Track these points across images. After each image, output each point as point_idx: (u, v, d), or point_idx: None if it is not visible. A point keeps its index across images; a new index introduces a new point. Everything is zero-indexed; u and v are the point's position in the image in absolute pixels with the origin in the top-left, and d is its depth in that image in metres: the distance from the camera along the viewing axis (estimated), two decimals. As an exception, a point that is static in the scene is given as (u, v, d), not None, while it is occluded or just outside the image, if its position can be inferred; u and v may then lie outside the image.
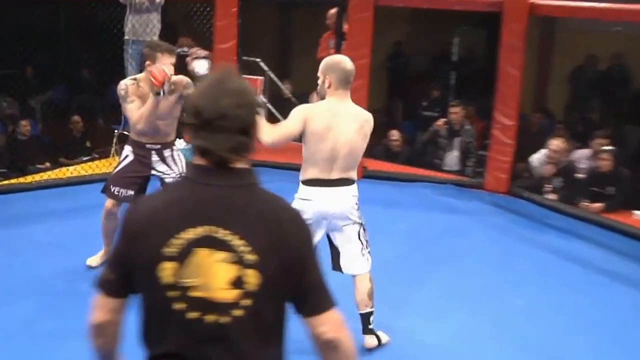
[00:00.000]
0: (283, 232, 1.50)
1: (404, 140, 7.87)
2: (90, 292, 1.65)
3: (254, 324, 1.48)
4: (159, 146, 4.17)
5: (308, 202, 3.28)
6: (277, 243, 1.48)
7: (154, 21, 6.74)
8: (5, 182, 6.31)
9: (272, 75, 8.93)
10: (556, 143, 6.33)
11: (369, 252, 3.46)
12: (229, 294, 1.46)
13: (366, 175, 6.65)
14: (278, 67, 10.16)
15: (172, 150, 4.23)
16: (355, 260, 3.43)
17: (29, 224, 5.04)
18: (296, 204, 3.23)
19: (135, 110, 4.02)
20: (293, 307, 1.56)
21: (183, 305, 1.47)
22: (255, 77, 8.45)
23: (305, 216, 3.02)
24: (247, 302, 1.46)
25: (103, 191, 4.23)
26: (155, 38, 6.68)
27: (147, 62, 3.99)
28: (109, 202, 4.19)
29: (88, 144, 8.12)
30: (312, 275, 1.55)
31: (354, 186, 3.38)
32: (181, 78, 4.08)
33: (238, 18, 6.63)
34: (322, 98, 3.33)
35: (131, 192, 4.13)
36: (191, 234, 1.47)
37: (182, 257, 1.46)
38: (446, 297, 4.18)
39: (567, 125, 7.75)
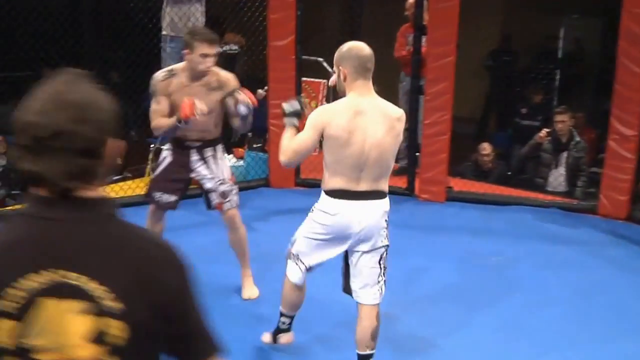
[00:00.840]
0: (153, 270, 1.45)
1: (497, 155, 7.97)
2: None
3: None
4: (199, 143, 4.41)
5: (331, 217, 3.37)
6: (145, 285, 1.43)
7: (197, 14, 7.03)
8: (18, 207, 6.55)
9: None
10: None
11: (384, 281, 3.48)
12: (88, 352, 1.40)
13: (451, 197, 6.78)
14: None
15: (215, 150, 4.46)
16: (368, 287, 3.46)
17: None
18: (316, 216, 3.42)
19: (156, 115, 4.29)
20: (170, 356, 1.55)
21: None
22: (316, 79, 8.71)
23: (323, 231, 3.43)
24: (112, 359, 1.43)
25: (145, 197, 4.56)
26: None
27: (186, 51, 4.25)
28: (152, 207, 4.51)
29: (118, 161, 8.40)
30: (192, 319, 1.53)
31: (386, 200, 3.40)
32: (230, 78, 4.35)
33: (297, 10, 6.83)
34: (343, 95, 3.40)
35: (174, 198, 4.44)
36: (33, 281, 1.40)
37: (23, 311, 1.39)
38: (553, 347, 4.16)
39: None
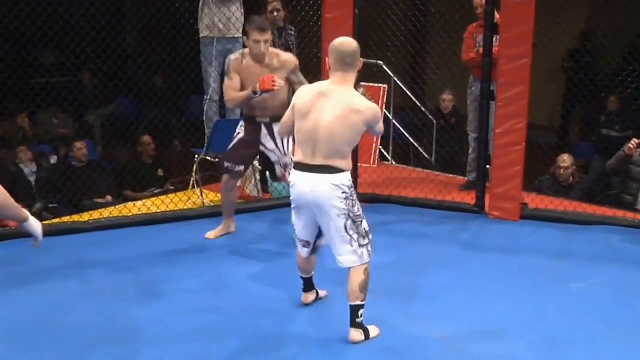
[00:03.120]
0: None
1: (579, 168, 7.81)
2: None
3: None
4: (267, 120, 5.67)
5: (292, 188, 4.24)
6: None
7: (237, 13, 7.14)
8: (56, 220, 6.66)
9: (399, 82, 9.09)
10: None
11: (363, 245, 4.18)
12: None
13: (527, 215, 6.63)
14: (407, 71, 10.29)
15: None
16: (343, 252, 4.19)
17: (82, 274, 5.31)
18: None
19: (229, 90, 5.68)
20: None
21: None
22: (376, 85, 8.63)
23: (292, 201, 4.30)
24: None
25: (217, 167, 6.02)
26: (239, 34, 7.07)
27: (246, 37, 5.58)
28: (224, 177, 5.90)
29: (161, 173, 8.50)
30: None
31: (339, 175, 4.10)
32: (290, 58, 5.65)
33: (355, 8, 6.78)
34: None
35: (241, 168, 5.84)
36: None
37: None
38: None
39: None
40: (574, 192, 7.45)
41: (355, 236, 4.15)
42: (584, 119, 10.03)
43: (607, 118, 8.93)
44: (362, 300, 4.18)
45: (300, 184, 4.17)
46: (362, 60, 4.25)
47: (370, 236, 4.24)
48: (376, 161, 8.61)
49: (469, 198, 6.90)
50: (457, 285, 5.16)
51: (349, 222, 4.13)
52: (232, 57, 5.72)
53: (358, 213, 4.16)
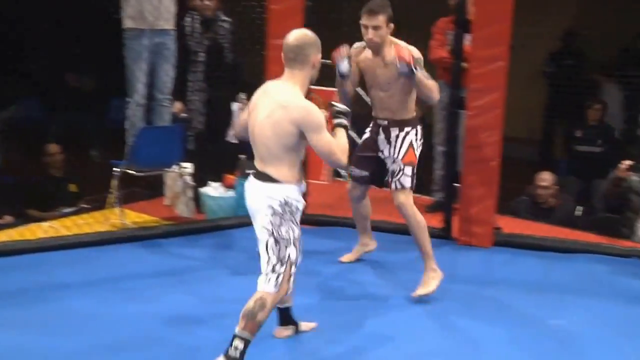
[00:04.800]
0: None
1: (562, 188, 7.95)
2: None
3: None
4: (385, 122, 5.75)
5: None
6: None
7: (167, 2, 7.17)
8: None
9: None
10: None
11: (275, 272, 4.29)
12: None
13: (500, 241, 6.79)
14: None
15: (405, 132, 5.67)
16: (262, 271, 4.32)
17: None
18: None
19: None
20: None
21: None
22: (329, 88, 8.67)
23: None
24: None
25: (345, 168, 6.15)
26: (170, 25, 7.13)
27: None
28: (349, 184, 6.11)
29: (73, 189, 8.41)
30: None
31: (272, 186, 4.26)
32: (406, 49, 5.39)
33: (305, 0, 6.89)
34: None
35: (365, 173, 5.95)
36: None
37: None
38: None
39: None
40: (555, 216, 7.59)
41: (274, 259, 4.28)
42: (568, 132, 10.18)
43: (585, 131, 9.07)
44: (242, 329, 4.25)
45: (246, 190, 4.39)
46: (316, 56, 4.32)
47: (293, 269, 4.35)
48: (328, 177, 8.70)
49: (435, 221, 6.93)
50: (418, 323, 5.23)
51: (271, 241, 4.27)
52: (355, 45, 5.74)
53: (286, 236, 4.28)
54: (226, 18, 7.62)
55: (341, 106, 4.50)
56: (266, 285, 4.30)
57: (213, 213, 7.24)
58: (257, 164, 4.33)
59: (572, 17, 10.50)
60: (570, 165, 9.17)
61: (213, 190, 7.44)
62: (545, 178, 7.67)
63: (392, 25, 5.53)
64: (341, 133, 4.40)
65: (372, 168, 5.91)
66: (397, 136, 5.70)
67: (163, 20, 7.17)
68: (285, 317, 4.87)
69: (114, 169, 7.03)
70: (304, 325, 4.96)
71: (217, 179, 7.56)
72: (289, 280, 4.35)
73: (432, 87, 5.48)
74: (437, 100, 5.66)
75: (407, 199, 5.67)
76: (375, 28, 5.44)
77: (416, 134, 5.71)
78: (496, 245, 6.75)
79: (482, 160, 6.63)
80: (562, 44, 10.30)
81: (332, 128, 4.39)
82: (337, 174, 7.79)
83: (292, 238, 4.30)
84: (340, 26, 7.72)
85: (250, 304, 4.27)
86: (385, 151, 5.78)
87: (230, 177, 7.63)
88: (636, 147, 8.38)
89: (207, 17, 7.48)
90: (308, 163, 7.00)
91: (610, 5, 9.31)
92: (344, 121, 4.45)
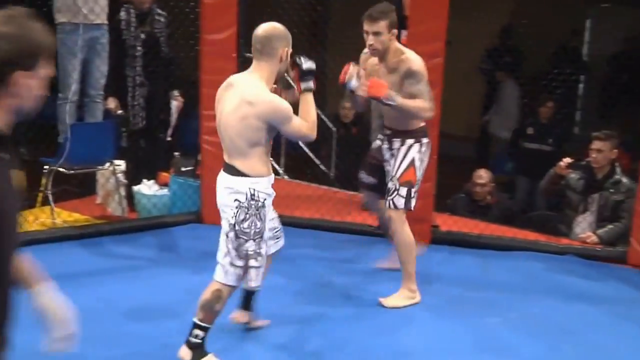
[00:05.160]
0: None
1: (499, 185, 8.05)
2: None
3: None
4: (389, 132, 5.60)
5: None
6: None
7: None
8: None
9: (292, 82, 9.11)
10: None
11: (234, 265, 4.33)
12: None
13: (438, 239, 6.80)
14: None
15: (407, 146, 5.47)
16: (219, 263, 4.37)
17: None
18: None
19: None
20: None
21: None
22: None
23: None
24: None
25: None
26: (103, 19, 7.09)
27: None
28: (362, 196, 6.17)
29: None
30: None
31: (237, 179, 4.26)
32: (406, 59, 5.31)
33: (240, -7, 6.82)
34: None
35: (372, 180, 5.83)
36: None
37: None
38: None
39: None
40: (492, 213, 7.64)
41: (233, 252, 4.32)
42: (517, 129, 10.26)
43: (535, 129, 9.11)
44: (200, 320, 4.39)
45: (217, 183, 4.41)
46: (284, 49, 4.30)
47: (253, 263, 4.36)
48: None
49: (372, 219, 6.93)
50: (353, 322, 5.22)
51: (232, 235, 4.29)
52: (364, 50, 5.55)
53: (247, 230, 4.28)
54: (162, 12, 7.53)
55: (307, 63, 4.43)
56: (224, 278, 4.35)
57: (147, 211, 7.15)
58: (225, 157, 4.34)
59: (509, 14, 10.54)
60: (519, 164, 9.22)
61: (147, 188, 7.34)
62: (482, 175, 7.71)
63: (395, 31, 5.39)
64: (308, 99, 4.41)
65: (379, 176, 5.76)
66: (399, 149, 5.51)
67: (95, 14, 7.11)
68: (247, 301, 4.91)
69: (44, 166, 6.93)
70: (259, 322, 5.01)
71: (151, 176, 7.46)
72: (251, 273, 4.38)
73: (418, 110, 5.32)
74: (430, 116, 5.46)
75: (397, 216, 5.50)
76: (376, 34, 5.28)
77: (420, 148, 5.51)
78: (434, 243, 6.75)
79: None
80: (498, 41, 10.37)
81: (300, 90, 4.43)
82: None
83: (253, 233, 4.29)
84: (278, 21, 7.70)
85: (207, 295, 4.36)
86: (387, 164, 5.64)
87: (165, 175, 7.56)
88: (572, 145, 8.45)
89: (143, 11, 7.38)
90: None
91: (547, 2, 9.38)
92: (311, 84, 4.44)
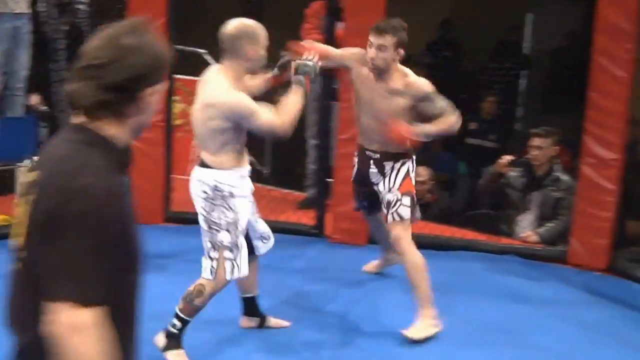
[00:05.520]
0: (60, 189, 2.05)
1: (439, 183, 7.96)
2: None
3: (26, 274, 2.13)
4: (377, 155, 5.27)
5: None
6: (44, 192, 2.07)
7: None
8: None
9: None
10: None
11: (210, 258, 4.43)
12: (20, 240, 2.13)
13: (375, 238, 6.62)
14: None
15: (401, 162, 5.22)
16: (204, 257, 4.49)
17: None
18: None
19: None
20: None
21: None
22: (197, 78, 8.46)
23: None
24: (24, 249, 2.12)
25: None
26: (23, 8, 6.92)
27: None
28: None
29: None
30: (62, 250, 2.02)
31: (205, 171, 4.40)
32: (422, 84, 5.07)
33: (169, -18, 6.68)
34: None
35: (366, 202, 5.59)
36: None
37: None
38: None
39: None
40: (431, 211, 7.53)
41: (208, 244, 4.45)
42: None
43: (478, 125, 9.06)
44: (180, 310, 4.48)
45: None
46: (251, 47, 4.29)
47: (228, 254, 4.42)
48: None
49: (308, 218, 6.92)
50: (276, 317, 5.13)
51: (205, 226, 4.45)
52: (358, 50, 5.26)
53: (217, 221, 4.41)
54: (83, 0, 7.30)
55: (310, 61, 4.55)
56: (204, 272, 4.45)
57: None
58: (197, 148, 4.57)
59: (449, 7, 10.51)
60: (461, 160, 9.14)
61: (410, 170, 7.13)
62: (421, 172, 7.56)
63: (402, 51, 5.03)
64: (296, 93, 4.46)
65: (369, 198, 5.48)
66: (392, 167, 5.24)
67: (15, 2, 6.93)
68: (249, 307, 4.97)
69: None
70: (273, 322, 5.04)
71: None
72: (225, 266, 4.42)
73: (451, 127, 5.07)
74: (459, 124, 5.13)
75: (404, 233, 5.14)
76: (380, 48, 4.93)
77: (412, 164, 5.29)
78: (371, 243, 6.61)
79: (355, 154, 6.43)
80: (438, 34, 10.35)
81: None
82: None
83: (224, 223, 4.39)
84: (205, 13, 7.56)
85: (190, 288, 4.47)
86: (380, 185, 5.28)
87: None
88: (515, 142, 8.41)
89: (62, 1, 7.14)
90: (173, 158, 6.92)
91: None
92: (303, 79, 4.51)
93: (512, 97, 9.29)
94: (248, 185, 4.56)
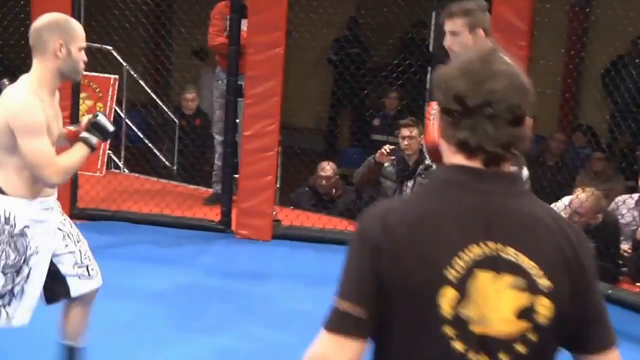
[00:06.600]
0: (573, 251, 1.91)
1: (346, 177, 8.04)
2: None
3: None
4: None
5: None
6: (569, 264, 1.90)
7: None
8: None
9: (133, 73, 8.98)
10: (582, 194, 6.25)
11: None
12: (513, 328, 1.85)
13: (279, 234, 6.76)
14: (144, 58, 10.19)
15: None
16: None
17: None
18: None
19: None
20: (567, 343, 1.94)
21: (462, 346, 1.84)
22: (104, 75, 8.47)
23: None
24: (533, 337, 1.86)
25: None
26: None
27: None
28: None
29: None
30: (598, 303, 1.96)
31: None
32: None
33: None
34: None
35: None
36: (473, 252, 1.85)
37: (462, 282, 1.83)
38: None
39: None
40: (336, 207, 7.60)
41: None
42: (353, 121, 10.32)
43: (382, 120, 9.17)
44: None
45: None
46: (57, 41, 3.56)
47: (8, 301, 3.67)
48: (103, 168, 8.46)
49: (213, 214, 6.90)
50: (184, 321, 5.15)
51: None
52: None
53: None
54: None
55: (107, 123, 3.78)
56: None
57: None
58: None
59: (356, 4, 10.61)
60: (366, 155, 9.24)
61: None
62: (326, 167, 7.63)
63: (480, 32, 4.13)
64: (78, 150, 3.68)
65: None
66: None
67: None
68: (67, 358, 4.02)
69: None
70: None
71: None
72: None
73: None
74: None
75: None
76: (454, 34, 4.12)
77: None
78: (275, 238, 6.68)
79: (260, 150, 6.57)
80: (346, 31, 10.44)
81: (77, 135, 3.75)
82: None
83: (2, 265, 3.61)
84: (115, 8, 7.56)
85: None
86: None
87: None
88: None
89: None
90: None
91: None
92: (94, 141, 3.70)
93: (418, 93, 9.37)
94: (54, 219, 3.78)
